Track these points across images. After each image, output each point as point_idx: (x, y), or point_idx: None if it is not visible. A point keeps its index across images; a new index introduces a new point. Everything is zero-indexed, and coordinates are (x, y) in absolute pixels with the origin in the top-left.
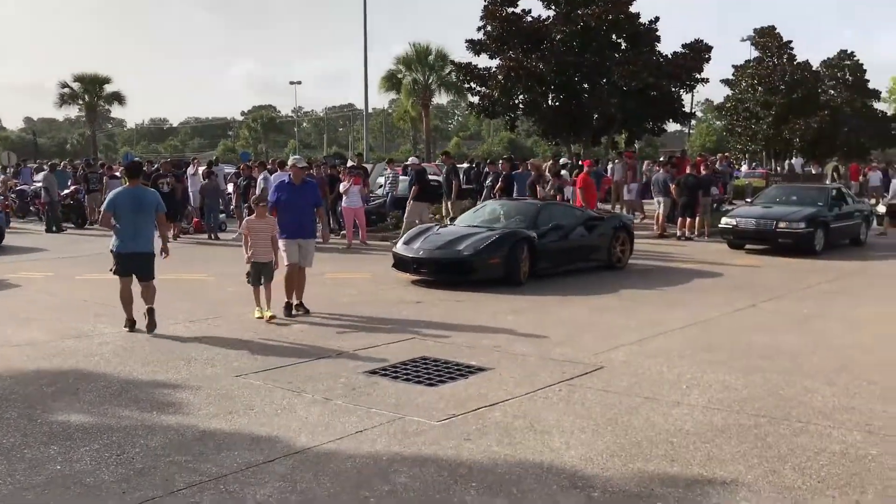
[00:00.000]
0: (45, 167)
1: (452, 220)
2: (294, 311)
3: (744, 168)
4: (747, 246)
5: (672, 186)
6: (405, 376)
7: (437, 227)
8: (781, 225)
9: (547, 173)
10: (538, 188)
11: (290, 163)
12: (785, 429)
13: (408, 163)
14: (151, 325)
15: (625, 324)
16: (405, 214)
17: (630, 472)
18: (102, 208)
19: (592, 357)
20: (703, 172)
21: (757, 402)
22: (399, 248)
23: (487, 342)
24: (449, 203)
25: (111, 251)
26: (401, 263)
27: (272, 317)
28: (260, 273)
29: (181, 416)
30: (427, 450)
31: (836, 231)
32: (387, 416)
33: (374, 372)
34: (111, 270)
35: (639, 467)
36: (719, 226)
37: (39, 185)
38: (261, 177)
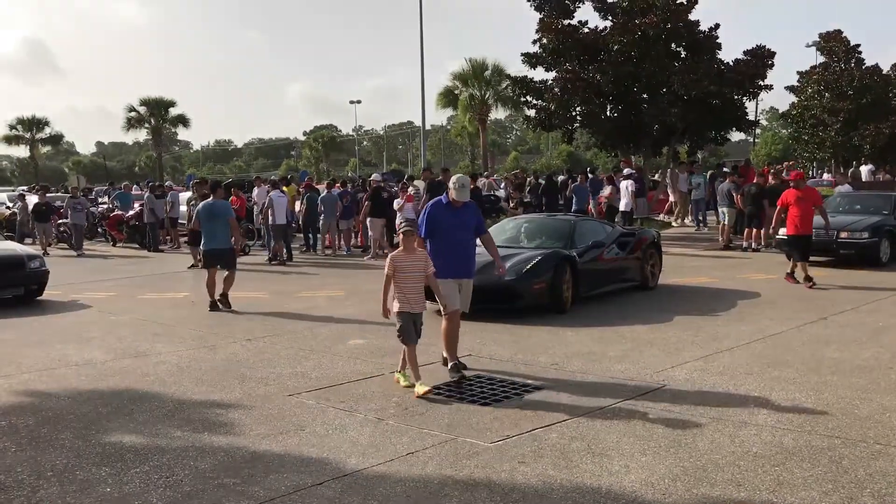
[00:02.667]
0: (140, 189)
1: None
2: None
3: (826, 176)
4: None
5: (737, 196)
6: (459, 395)
7: None
8: (843, 235)
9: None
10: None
11: (452, 184)
12: (862, 451)
13: (371, 178)
14: (226, 305)
15: (687, 339)
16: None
17: (694, 497)
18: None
19: (654, 375)
20: (770, 182)
21: (830, 421)
22: None
23: (544, 360)
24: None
25: (200, 249)
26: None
27: (428, 390)
28: (415, 326)
29: (232, 437)
30: (479, 473)
31: None
32: (439, 437)
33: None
34: (194, 266)
35: (703, 492)
36: (776, 237)
37: (105, 206)
38: (269, 194)
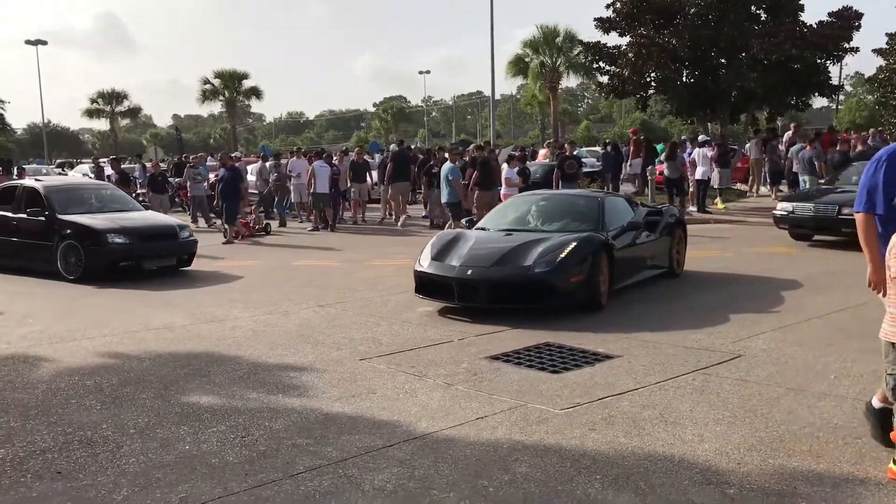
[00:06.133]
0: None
1: (470, 222)
2: None
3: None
4: (815, 237)
5: (818, 164)
6: (528, 363)
7: (470, 232)
8: (845, 211)
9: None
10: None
11: None
12: None
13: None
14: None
15: (764, 310)
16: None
17: (770, 468)
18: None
19: (730, 345)
20: (859, 148)
21: None
22: (426, 265)
23: (615, 328)
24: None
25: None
26: (434, 287)
27: None
28: None
29: (305, 399)
30: (549, 439)
31: None
32: (508, 403)
33: (496, 357)
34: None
35: (780, 463)
36: (773, 212)
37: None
38: (313, 164)
